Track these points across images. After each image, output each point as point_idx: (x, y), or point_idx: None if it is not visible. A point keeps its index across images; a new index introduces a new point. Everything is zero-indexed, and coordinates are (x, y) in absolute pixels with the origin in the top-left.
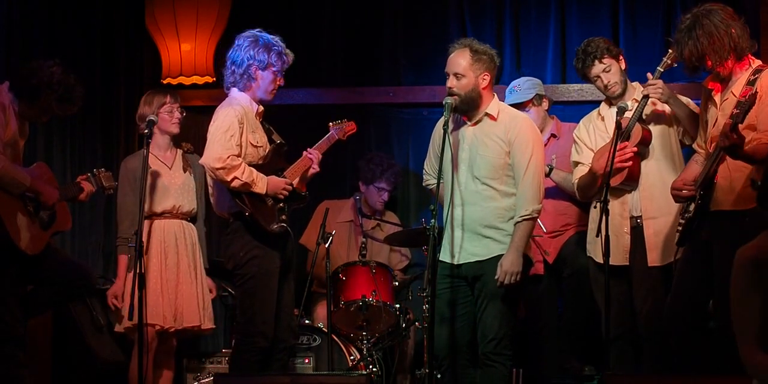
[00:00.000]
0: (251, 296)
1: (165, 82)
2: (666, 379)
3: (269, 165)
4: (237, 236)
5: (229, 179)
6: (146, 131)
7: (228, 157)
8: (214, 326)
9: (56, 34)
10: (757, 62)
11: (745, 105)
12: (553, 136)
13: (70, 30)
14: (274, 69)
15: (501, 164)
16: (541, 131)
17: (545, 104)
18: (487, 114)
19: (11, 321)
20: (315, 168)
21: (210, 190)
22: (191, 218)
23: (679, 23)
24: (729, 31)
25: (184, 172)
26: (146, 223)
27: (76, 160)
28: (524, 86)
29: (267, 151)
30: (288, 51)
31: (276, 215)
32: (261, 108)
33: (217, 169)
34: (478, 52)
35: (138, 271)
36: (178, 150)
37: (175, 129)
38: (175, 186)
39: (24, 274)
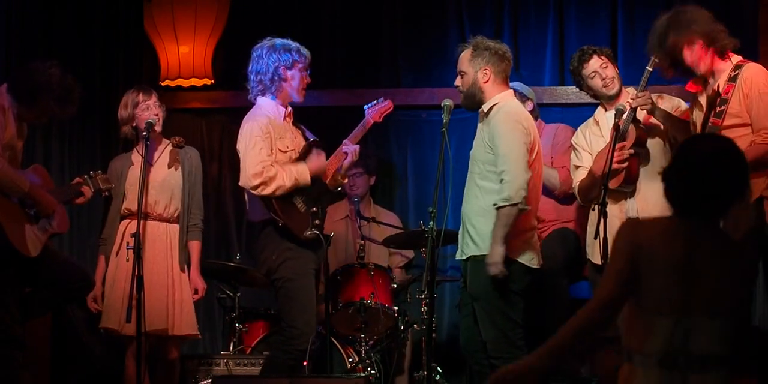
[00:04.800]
0: (291, 300)
1: (163, 84)
2: None
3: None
4: (268, 241)
5: (271, 191)
6: (144, 134)
7: (262, 169)
8: (194, 332)
9: (55, 37)
10: (737, 58)
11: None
12: None
13: (69, 32)
14: (300, 66)
15: (485, 160)
16: None
17: (528, 106)
18: (482, 111)
19: (10, 322)
20: (351, 159)
21: (246, 196)
22: (173, 219)
23: (654, 26)
24: (708, 25)
25: (169, 167)
26: (125, 222)
27: (74, 163)
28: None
29: (298, 151)
30: (303, 47)
31: (309, 221)
32: (289, 109)
33: (258, 185)
34: (479, 47)
35: (137, 273)
36: (168, 146)
37: (156, 127)
38: (154, 182)
39: (22, 276)
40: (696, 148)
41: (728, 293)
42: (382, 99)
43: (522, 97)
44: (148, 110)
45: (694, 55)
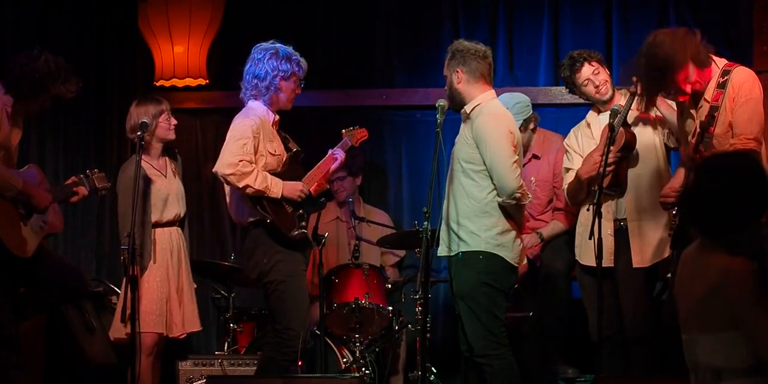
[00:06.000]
0: (284, 302)
1: (158, 84)
2: (660, 380)
3: (287, 173)
4: (258, 244)
5: (241, 186)
6: (138, 133)
7: (239, 162)
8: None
9: (50, 36)
10: (723, 62)
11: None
12: (534, 157)
13: (63, 32)
14: (296, 78)
15: (467, 158)
16: (525, 151)
17: (532, 124)
18: (465, 111)
19: (4, 323)
20: (338, 165)
21: (227, 199)
22: (179, 223)
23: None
24: (686, 51)
25: (175, 177)
26: (156, 231)
27: (69, 162)
28: (513, 111)
29: (284, 159)
30: (303, 60)
31: (296, 222)
32: (277, 117)
33: (228, 175)
34: (452, 50)
35: (132, 273)
36: (166, 157)
37: (172, 135)
38: (174, 194)
39: (17, 277)
40: (706, 169)
41: (717, 309)
42: (358, 126)
43: (527, 123)
44: (169, 120)
45: (691, 82)
